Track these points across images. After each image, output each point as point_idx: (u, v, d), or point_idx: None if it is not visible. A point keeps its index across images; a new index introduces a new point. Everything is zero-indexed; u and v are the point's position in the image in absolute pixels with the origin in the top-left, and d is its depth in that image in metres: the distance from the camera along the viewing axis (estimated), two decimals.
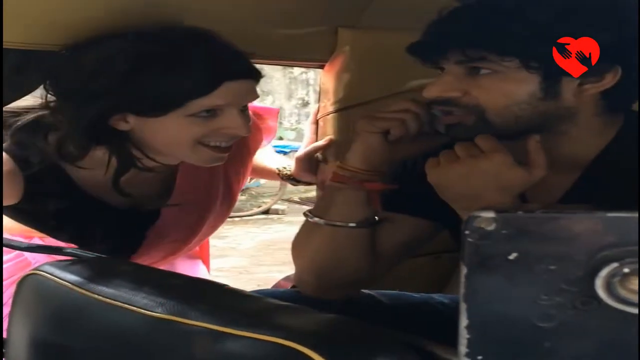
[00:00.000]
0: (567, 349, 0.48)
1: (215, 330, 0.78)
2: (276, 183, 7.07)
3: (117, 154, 1.25)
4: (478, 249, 0.49)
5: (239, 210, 6.89)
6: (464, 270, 0.50)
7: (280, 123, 5.95)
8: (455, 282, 1.75)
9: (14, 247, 1.18)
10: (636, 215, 0.48)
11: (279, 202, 7.26)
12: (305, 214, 1.19)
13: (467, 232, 0.50)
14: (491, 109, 1.00)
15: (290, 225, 6.60)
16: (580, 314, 0.48)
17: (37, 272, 0.98)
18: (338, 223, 1.13)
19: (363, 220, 1.14)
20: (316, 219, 1.15)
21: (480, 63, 0.99)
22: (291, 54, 1.70)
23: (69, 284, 0.93)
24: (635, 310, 0.45)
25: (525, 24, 0.95)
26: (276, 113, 1.75)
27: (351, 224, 1.13)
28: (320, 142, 1.72)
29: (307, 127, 1.82)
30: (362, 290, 1.30)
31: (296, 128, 8.35)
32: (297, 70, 7.82)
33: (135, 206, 1.38)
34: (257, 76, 1.26)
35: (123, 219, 1.37)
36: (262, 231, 6.43)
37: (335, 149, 1.70)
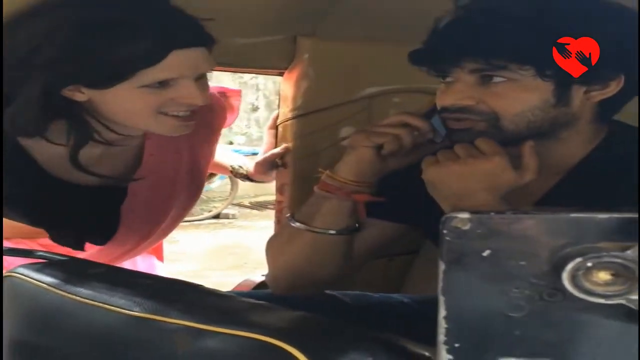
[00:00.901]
0: (535, 336, 0.54)
1: (194, 327, 0.81)
2: (227, 187, 7.07)
3: (74, 125, 1.22)
4: (455, 247, 0.54)
5: (189, 214, 6.85)
6: (442, 266, 0.54)
7: (230, 128, 5.93)
8: (410, 283, 1.80)
9: None
10: (594, 216, 0.53)
11: (230, 206, 7.25)
12: (287, 218, 1.21)
13: (445, 231, 0.54)
14: (506, 115, 1.03)
15: (241, 230, 6.59)
16: (547, 305, 0.53)
17: (12, 274, 0.99)
18: (319, 230, 1.16)
19: (344, 228, 1.17)
20: (298, 225, 1.18)
21: (500, 72, 1.02)
22: (251, 62, 1.73)
23: (46, 285, 0.95)
24: (597, 300, 0.51)
25: (541, 33, 0.99)
26: (239, 93, 1.74)
27: (332, 231, 1.17)
28: (277, 150, 1.76)
29: (266, 133, 1.85)
30: (325, 292, 1.34)
31: (246, 132, 8.35)
32: (246, 75, 7.82)
33: (105, 185, 1.35)
34: (209, 43, 1.22)
35: (94, 199, 1.35)
36: (212, 236, 6.42)
37: (294, 152, 1.75)
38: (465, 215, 0.54)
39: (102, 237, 1.40)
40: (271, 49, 1.70)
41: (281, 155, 1.76)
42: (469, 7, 1.05)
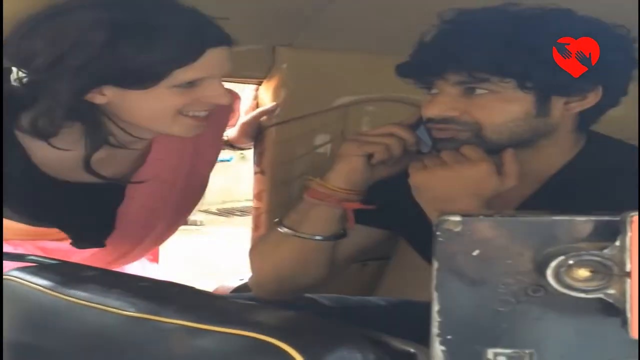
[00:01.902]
0: (521, 329, 0.58)
1: (189, 326, 0.84)
2: None
3: (90, 129, 1.22)
4: (446, 247, 0.59)
5: None
6: (435, 265, 0.59)
7: None
8: (384, 287, 1.85)
9: None
10: (574, 218, 0.58)
11: (197, 212, 7.23)
12: (275, 223, 1.24)
13: (437, 232, 0.59)
14: (488, 126, 1.08)
15: (209, 236, 6.58)
16: (531, 300, 0.58)
17: (7, 277, 1.02)
18: (306, 236, 1.19)
19: (332, 234, 1.21)
20: (286, 230, 1.21)
21: (483, 84, 1.06)
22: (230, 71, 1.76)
23: (41, 288, 0.97)
24: (578, 295, 0.56)
25: (523, 47, 1.03)
26: (238, 96, 1.74)
27: (318, 237, 1.20)
28: (267, 107, 1.77)
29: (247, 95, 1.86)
30: (305, 295, 1.38)
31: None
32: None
33: (103, 186, 1.36)
34: (233, 43, 1.24)
35: (91, 199, 1.35)
36: (181, 242, 6.39)
37: (272, 158, 1.78)
38: (456, 218, 0.59)
39: (97, 239, 1.41)
40: (250, 59, 1.73)
41: (269, 113, 1.76)
42: (453, 21, 1.10)
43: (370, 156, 1.16)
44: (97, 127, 1.22)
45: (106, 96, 1.18)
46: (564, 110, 1.09)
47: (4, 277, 1.02)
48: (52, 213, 1.34)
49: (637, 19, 1.05)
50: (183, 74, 1.16)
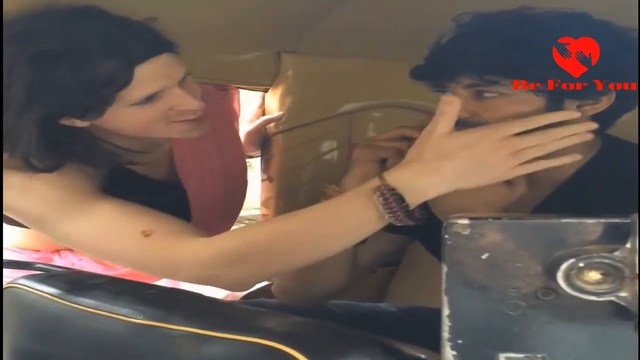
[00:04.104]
0: (532, 333, 0.58)
1: (197, 333, 0.84)
2: None
3: (89, 153, 1.18)
4: (455, 251, 0.59)
5: None
6: (444, 269, 0.59)
7: None
8: (394, 293, 1.84)
9: None
10: (584, 221, 0.58)
11: None
12: None
13: (446, 236, 0.59)
14: None
15: None
16: (542, 303, 0.58)
17: (14, 285, 1.02)
18: None
19: None
20: None
21: (493, 87, 1.05)
22: (236, 78, 1.76)
23: (48, 295, 0.97)
24: (589, 298, 0.55)
25: (533, 51, 1.02)
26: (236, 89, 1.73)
27: None
28: (272, 115, 1.76)
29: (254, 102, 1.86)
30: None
31: None
32: None
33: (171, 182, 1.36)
34: (170, 48, 1.16)
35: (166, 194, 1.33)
36: None
37: (279, 166, 1.78)
38: (465, 221, 0.58)
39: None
40: (256, 65, 1.74)
41: (274, 121, 1.76)
42: (467, 25, 1.09)
43: (384, 161, 1.15)
44: (94, 149, 1.19)
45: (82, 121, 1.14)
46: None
47: (11, 284, 1.02)
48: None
49: (637, 18, 1.04)
50: (129, 94, 1.11)
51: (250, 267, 1.05)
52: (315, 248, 1.08)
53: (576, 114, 1.04)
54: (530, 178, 1.08)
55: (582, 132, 1.02)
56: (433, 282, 1.51)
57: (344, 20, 1.60)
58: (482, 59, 1.05)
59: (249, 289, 1.12)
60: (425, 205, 1.08)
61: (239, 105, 1.78)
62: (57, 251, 1.54)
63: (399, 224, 1.02)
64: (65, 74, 1.07)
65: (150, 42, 1.12)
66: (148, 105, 1.14)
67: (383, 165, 1.16)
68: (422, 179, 1.01)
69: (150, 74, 1.11)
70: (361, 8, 1.55)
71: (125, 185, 1.21)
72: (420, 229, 1.09)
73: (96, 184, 1.17)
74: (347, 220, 1.05)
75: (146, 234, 1.09)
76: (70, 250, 1.53)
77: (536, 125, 1.00)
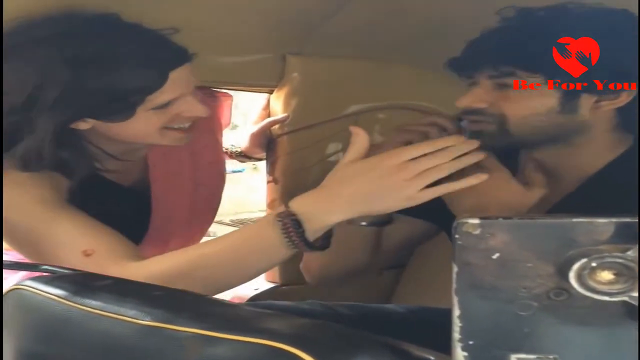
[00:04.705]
0: (544, 333, 0.57)
1: (204, 334, 0.84)
2: None
3: (76, 156, 1.23)
4: (466, 250, 0.58)
5: None
6: (455, 269, 0.58)
7: None
8: (400, 295, 1.84)
9: None
10: (595, 220, 0.57)
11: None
12: None
13: (456, 235, 0.58)
14: (512, 119, 1.09)
15: None
16: (554, 304, 0.57)
17: (20, 286, 1.01)
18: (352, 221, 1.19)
19: (376, 220, 1.23)
20: None
21: (509, 78, 1.08)
22: (241, 80, 1.77)
23: (55, 297, 0.97)
24: (602, 298, 0.55)
25: (551, 45, 1.04)
26: (229, 96, 1.76)
27: (363, 223, 1.22)
28: (277, 117, 1.77)
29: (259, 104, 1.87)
30: (322, 302, 1.38)
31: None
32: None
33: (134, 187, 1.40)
34: (191, 58, 1.25)
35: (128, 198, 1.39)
36: None
37: (284, 167, 1.78)
38: (475, 221, 0.58)
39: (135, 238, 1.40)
40: (261, 67, 1.74)
41: (279, 122, 1.76)
42: (509, 19, 1.12)
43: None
44: (82, 155, 1.24)
45: (89, 123, 1.19)
46: (595, 108, 1.09)
47: (17, 286, 1.01)
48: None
49: (637, 18, 1.04)
50: (155, 99, 1.18)
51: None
52: (234, 273, 1.11)
53: (460, 140, 1.05)
54: (551, 176, 1.09)
55: (472, 151, 1.03)
56: (439, 283, 1.51)
57: (349, 22, 1.60)
58: (500, 50, 1.08)
59: None
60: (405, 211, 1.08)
61: (229, 113, 1.77)
62: None
63: (298, 250, 1.04)
64: (101, 77, 1.12)
65: (180, 50, 1.21)
66: (162, 110, 1.20)
67: None
68: (320, 205, 1.03)
69: (176, 81, 1.19)
70: (366, 10, 1.55)
71: (92, 190, 1.26)
72: (442, 217, 1.11)
73: (61, 193, 1.22)
74: (257, 246, 1.08)
75: (87, 254, 1.14)
76: None
77: (427, 151, 1.02)
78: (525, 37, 1.06)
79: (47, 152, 1.17)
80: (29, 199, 1.18)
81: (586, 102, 1.08)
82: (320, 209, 1.03)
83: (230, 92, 1.76)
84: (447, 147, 1.02)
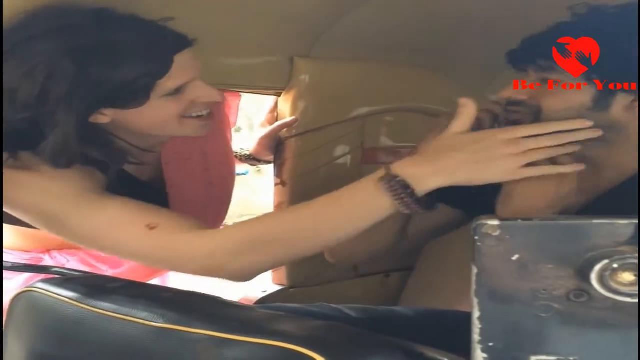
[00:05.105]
0: (563, 335, 0.57)
1: (217, 337, 0.84)
2: None
3: (106, 150, 1.22)
4: (485, 252, 0.58)
5: None
6: (474, 270, 0.58)
7: None
8: (407, 298, 1.84)
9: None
10: (616, 221, 0.57)
11: None
12: None
13: (476, 237, 0.58)
14: (546, 111, 1.11)
15: None
16: (574, 305, 0.57)
17: (32, 289, 1.01)
18: None
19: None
20: None
21: (550, 72, 1.10)
22: (248, 83, 1.76)
23: (67, 299, 0.97)
24: (624, 299, 0.54)
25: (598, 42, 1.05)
26: (238, 95, 1.74)
27: None
28: (286, 120, 1.75)
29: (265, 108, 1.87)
30: (330, 305, 1.37)
31: None
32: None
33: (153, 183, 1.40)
34: (192, 43, 1.23)
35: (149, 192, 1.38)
36: None
37: (292, 170, 1.78)
38: (494, 222, 0.58)
39: None
40: (269, 70, 1.73)
41: (289, 126, 1.75)
42: (577, 15, 1.13)
43: None
44: (112, 148, 1.24)
45: (107, 115, 1.19)
46: (631, 107, 1.09)
47: (29, 288, 1.01)
48: None
49: (637, 18, 1.04)
50: (165, 84, 1.17)
51: (254, 257, 1.10)
52: (322, 235, 1.12)
53: (588, 123, 1.08)
54: (590, 170, 1.09)
55: (582, 139, 1.06)
56: (447, 286, 1.50)
57: (357, 25, 1.60)
58: (543, 44, 1.09)
59: (249, 280, 1.15)
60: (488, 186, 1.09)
61: (236, 112, 1.77)
62: (48, 251, 1.54)
63: (408, 211, 1.05)
64: (106, 67, 1.12)
65: (178, 35, 1.20)
66: (176, 96, 1.20)
67: None
68: (423, 169, 1.05)
69: (181, 66, 1.18)
70: (373, 13, 1.55)
71: (118, 184, 1.25)
72: (470, 203, 1.11)
73: (101, 182, 1.22)
74: (357, 207, 1.09)
75: (150, 227, 1.13)
76: (59, 250, 1.54)
77: (546, 131, 1.04)
78: (589, 35, 1.07)
79: (74, 146, 1.16)
80: (72, 190, 1.18)
81: (622, 100, 1.09)
82: (424, 173, 1.05)
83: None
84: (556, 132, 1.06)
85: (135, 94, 1.16)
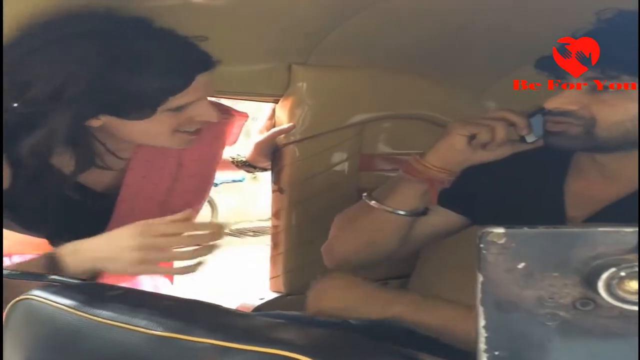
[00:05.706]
0: (570, 343, 0.57)
1: (219, 345, 0.83)
2: (206, 215, 7.03)
3: (81, 151, 1.24)
4: (491, 260, 0.57)
5: None
6: (480, 279, 0.57)
7: None
8: None
9: None
10: (621, 229, 0.57)
11: None
12: (363, 196, 1.29)
13: (481, 245, 0.57)
14: (603, 123, 1.08)
15: (221, 257, 6.54)
16: (580, 313, 0.56)
17: (29, 297, 1.00)
18: (390, 209, 1.24)
19: (413, 210, 1.24)
20: (373, 202, 1.25)
21: (611, 81, 1.06)
22: (246, 90, 1.76)
23: (65, 307, 0.96)
24: (632, 308, 0.54)
25: None
26: (245, 115, 1.71)
27: (401, 212, 1.24)
28: (282, 127, 1.75)
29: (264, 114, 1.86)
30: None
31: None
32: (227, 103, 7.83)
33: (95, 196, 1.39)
34: (215, 65, 1.27)
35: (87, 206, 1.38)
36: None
37: (290, 177, 1.77)
38: (500, 230, 0.57)
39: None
40: (266, 76, 1.73)
41: (285, 132, 1.75)
42: (606, 21, 1.11)
43: (472, 137, 1.17)
44: (87, 150, 1.25)
45: (101, 120, 1.20)
46: None
47: (26, 296, 1.00)
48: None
49: (637, 17, 1.04)
50: (176, 100, 1.20)
51: None
52: None
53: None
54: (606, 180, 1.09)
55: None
56: (445, 293, 1.50)
57: (355, 32, 1.60)
58: (606, 54, 1.05)
59: None
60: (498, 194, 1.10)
61: (239, 132, 1.73)
62: None
63: None
64: (134, 75, 1.15)
65: (205, 55, 1.23)
66: (176, 113, 1.22)
67: (471, 141, 1.18)
68: None
69: (201, 85, 1.22)
70: (370, 21, 1.55)
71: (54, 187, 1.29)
72: (484, 215, 1.10)
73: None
74: None
75: None
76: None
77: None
78: (628, 41, 1.05)
79: (56, 146, 1.19)
80: None
81: None
82: None
83: (235, 101, 1.75)
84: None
85: (144, 106, 1.18)
